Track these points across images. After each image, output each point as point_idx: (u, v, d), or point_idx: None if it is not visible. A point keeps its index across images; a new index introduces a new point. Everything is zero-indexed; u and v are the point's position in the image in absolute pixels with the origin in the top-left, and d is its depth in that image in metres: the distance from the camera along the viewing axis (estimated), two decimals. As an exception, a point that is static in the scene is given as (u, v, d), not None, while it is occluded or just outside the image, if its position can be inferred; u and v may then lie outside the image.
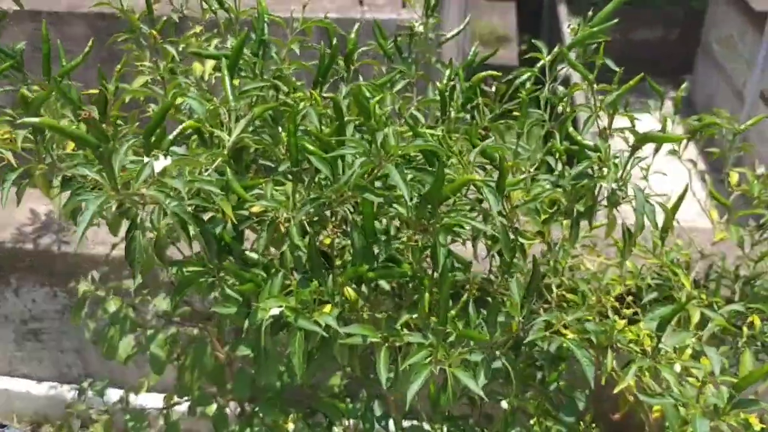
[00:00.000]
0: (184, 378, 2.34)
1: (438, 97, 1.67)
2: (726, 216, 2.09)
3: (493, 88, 1.83)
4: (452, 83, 1.68)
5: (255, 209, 1.30)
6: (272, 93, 1.58)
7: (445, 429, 2.12)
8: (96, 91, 1.53)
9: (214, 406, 2.43)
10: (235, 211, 1.28)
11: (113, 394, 2.80)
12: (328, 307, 1.26)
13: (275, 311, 1.21)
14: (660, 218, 1.46)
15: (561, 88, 1.61)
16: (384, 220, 1.42)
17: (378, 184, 1.30)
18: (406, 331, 1.33)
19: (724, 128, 2.02)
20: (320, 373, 2.27)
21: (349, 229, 1.57)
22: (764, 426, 1.57)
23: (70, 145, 1.41)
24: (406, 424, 2.18)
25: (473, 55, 1.95)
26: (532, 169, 1.60)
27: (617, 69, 1.49)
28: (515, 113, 1.73)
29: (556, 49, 1.62)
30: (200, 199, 1.20)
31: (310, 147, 1.27)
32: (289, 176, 1.38)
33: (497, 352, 1.46)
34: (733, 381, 1.53)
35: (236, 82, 1.53)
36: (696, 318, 1.80)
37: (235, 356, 2.31)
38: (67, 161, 1.32)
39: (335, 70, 1.77)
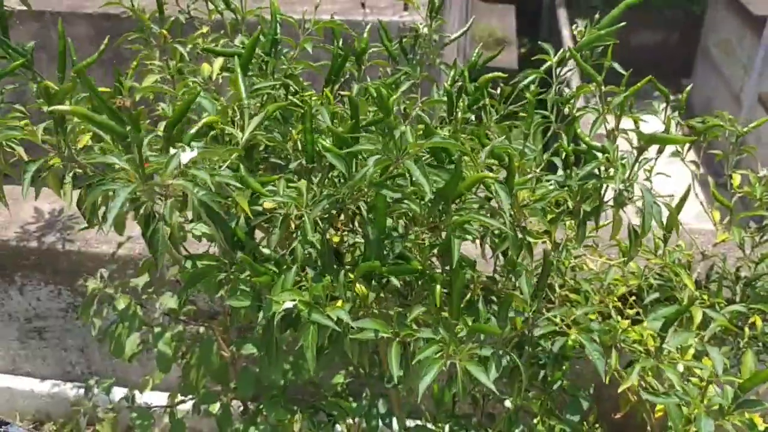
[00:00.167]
0: (190, 376, 2.35)
1: (444, 98, 1.69)
2: (728, 218, 2.11)
3: (498, 90, 1.85)
4: (459, 84, 1.70)
5: (268, 205, 1.31)
6: (281, 92, 1.60)
7: (448, 428, 2.14)
8: (106, 89, 1.55)
9: (217, 405, 2.44)
10: (249, 206, 1.29)
11: (116, 393, 2.81)
12: (339, 303, 1.28)
13: (289, 305, 1.22)
14: (664, 219, 1.48)
15: (567, 90, 1.63)
16: (392, 219, 1.44)
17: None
18: (414, 326, 1.34)
19: (727, 130, 2.04)
20: (326, 370, 2.28)
21: (356, 227, 1.59)
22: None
23: (83, 141, 1.42)
24: (409, 423, 2.20)
25: (477, 56, 1.96)
26: (537, 170, 1.62)
27: (624, 72, 1.51)
28: (521, 114, 1.75)
29: (562, 51, 1.63)
30: (215, 194, 1.21)
31: (326, 144, 1.28)
32: (302, 173, 1.39)
33: (500, 351, 1.48)
34: (737, 381, 1.55)
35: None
36: (698, 318, 1.82)
37: (240, 355, 2.32)
38: (82, 155, 1.33)
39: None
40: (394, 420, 2.19)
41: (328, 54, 1.92)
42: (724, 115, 2.09)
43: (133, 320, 2.07)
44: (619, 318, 1.82)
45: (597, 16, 1.59)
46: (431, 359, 1.24)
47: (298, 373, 2.22)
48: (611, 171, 1.39)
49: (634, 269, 1.95)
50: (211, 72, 1.69)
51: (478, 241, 1.51)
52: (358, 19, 4.24)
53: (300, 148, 1.61)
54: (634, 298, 1.95)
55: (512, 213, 1.34)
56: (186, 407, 2.52)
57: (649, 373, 1.68)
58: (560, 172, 1.65)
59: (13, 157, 1.59)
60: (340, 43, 1.86)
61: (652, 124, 1.76)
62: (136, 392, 2.64)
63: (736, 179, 2.08)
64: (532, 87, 1.75)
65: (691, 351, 1.75)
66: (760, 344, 1.95)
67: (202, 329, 2.38)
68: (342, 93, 1.59)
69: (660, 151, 1.65)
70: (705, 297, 1.95)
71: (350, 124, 1.34)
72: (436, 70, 2.17)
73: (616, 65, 1.57)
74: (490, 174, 1.26)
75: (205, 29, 1.83)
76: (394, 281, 1.36)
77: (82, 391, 3.15)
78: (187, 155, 1.12)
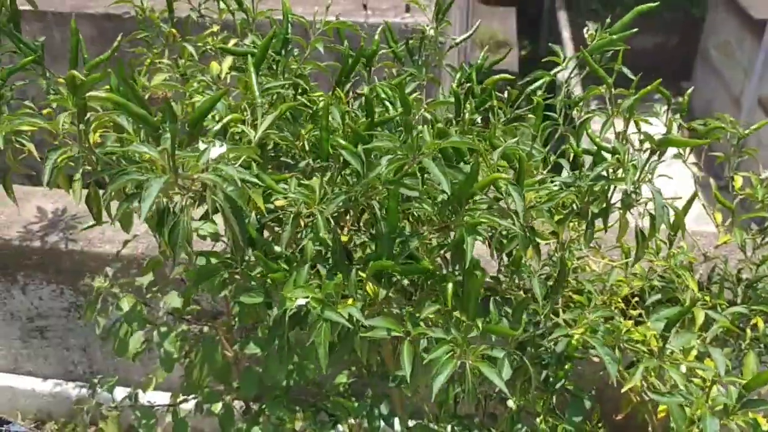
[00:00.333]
0: (192, 376, 2.36)
1: (451, 99, 1.70)
2: (730, 219, 2.12)
3: (505, 93, 1.87)
4: (467, 86, 1.71)
5: (279, 203, 1.32)
6: (290, 92, 1.61)
7: (450, 428, 2.15)
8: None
9: (220, 405, 2.45)
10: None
11: (118, 392, 2.81)
12: (350, 301, 1.29)
13: (301, 302, 1.23)
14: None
15: (576, 92, 1.64)
16: (400, 219, 1.45)
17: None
18: (423, 326, 1.35)
19: (728, 132, 2.05)
20: (333, 368, 2.29)
21: (362, 226, 1.60)
22: (770, 426, 1.60)
23: (93, 138, 1.43)
24: (410, 423, 2.21)
25: (483, 59, 1.98)
26: (544, 172, 1.64)
27: (633, 77, 1.52)
28: (528, 116, 1.77)
29: (573, 55, 1.64)
30: (240, 190, 1.21)
31: (342, 141, 1.29)
32: (312, 172, 1.40)
33: (509, 352, 1.49)
34: (739, 381, 1.56)
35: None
36: (701, 320, 1.83)
37: (242, 355, 2.33)
38: (100, 148, 1.34)
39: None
40: (396, 420, 2.19)
41: (330, 55, 1.93)
42: (725, 118, 2.10)
43: (138, 319, 2.08)
44: (622, 319, 1.83)
45: (608, 20, 1.60)
46: (443, 359, 1.24)
47: (302, 373, 2.23)
48: (619, 172, 1.40)
49: (637, 270, 1.96)
50: (219, 71, 1.70)
51: (483, 241, 1.52)
52: (360, 20, 4.26)
53: (307, 148, 1.62)
54: (636, 299, 1.96)
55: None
56: (188, 407, 2.52)
57: (652, 374, 1.69)
58: (564, 173, 1.66)
59: (22, 155, 1.60)
60: (345, 43, 1.88)
61: (652, 127, 1.77)
62: (139, 391, 2.65)
63: (738, 181, 2.09)
64: (539, 91, 1.77)
65: (694, 352, 1.76)
66: (762, 345, 1.96)
67: (205, 329, 2.39)
68: (358, 92, 1.61)
69: (662, 154, 1.66)
70: (707, 298, 1.97)
71: (366, 123, 1.35)
72: (439, 72, 2.18)
73: (625, 70, 1.59)
74: (504, 175, 1.28)
75: (215, 28, 1.84)
76: (404, 280, 1.37)
77: (84, 390, 3.16)
78: (216, 150, 1.13)
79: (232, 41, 1.78)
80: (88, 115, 1.29)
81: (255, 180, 1.20)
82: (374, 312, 1.38)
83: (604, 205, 1.46)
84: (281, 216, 1.50)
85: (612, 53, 1.71)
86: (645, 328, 1.70)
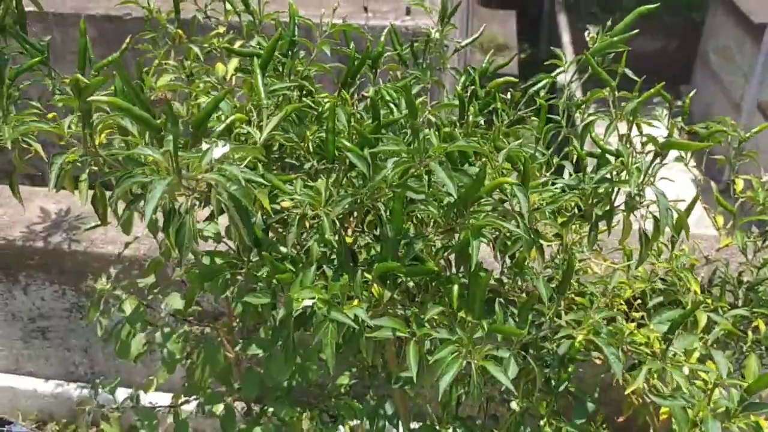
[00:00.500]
0: (194, 377, 2.36)
1: (456, 102, 1.71)
2: (731, 222, 2.13)
3: (509, 95, 1.88)
4: (471, 88, 1.72)
5: (285, 204, 1.33)
6: (296, 93, 1.62)
7: (452, 430, 2.15)
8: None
9: (221, 406, 2.45)
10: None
11: (119, 393, 2.82)
12: (355, 302, 1.30)
13: (308, 302, 1.24)
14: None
15: (578, 95, 1.65)
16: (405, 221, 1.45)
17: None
18: (428, 327, 1.36)
19: (729, 136, 2.06)
20: (338, 369, 2.29)
21: (365, 228, 1.61)
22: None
23: (99, 138, 1.43)
24: (413, 425, 2.21)
25: (488, 63, 1.99)
26: (547, 174, 1.65)
27: (637, 78, 1.53)
28: (531, 118, 1.78)
29: (576, 58, 1.65)
30: (245, 190, 1.22)
31: (348, 144, 1.30)
32: (317, 174, 1.41)
33: (515, 353, 1.50)
34: (741, 384, 1.57)
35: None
36: (703, 322, 1.84)
37: (244, 356, 2.34)
38: (106, 150, 1.35)
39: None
40: (399, 422, 2.20)
41: (333, 57, 1.94)
42: (726, 121, 2.11)
43: (140, 321, 2.08)
44: (624, 321, 1.83)
45: (609, 23, 1.61)
46: (448, 359, 1.25)
47: (304, 374, 2.24)
48: (623, 175, 1.41)
49: (640, 273, 1.97)
50: (225, 72, 1.71)
51: (488, 244, 1.52)
52: (361, 22, 4.27)
53: (311, 149, 1.63)
54: (639, 301, 1.97)
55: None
56: (189, 408, 2.53)
57: (654, 376, 1.69)
58: (567, 175, 1.67)
59: (28, 155, 1.60)
60: (351, 45, 1.89)
61: (652, 130, 1.78)
62: (140, 392, 2.65)
63: (739, 184, 2.10)
64: (542, 92, 1.78)
65: (696, 354, 1.77)
66: (763, 348, 1.97)
67: (207, 330, 2.40)
68: (363, 94, 1.61)
69: (664, 157, 1.67)
70: (708, 301, 1.97)
71: (372, 125, 1.36)
72: (443, 75, 2.19)
73: (628, 72, 1.60)
74: (511, 179, 1.28)
75: (221, 29, 1.85)
76: (409, 282, 1.38)
77: (85, 391, 3.16)
78: (219, 150, 1.14)
79: (238, 43, 1.79)
80: (95, 116, 1.30)
81: (260, 180, 1.20)
82: (379, 313, 1.39)
83: (608, 208, 1.46)
84: (286, 218, 1.51)
85: (613, 56, 1.72)
86: (648, 330, 1.71)
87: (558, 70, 1.68)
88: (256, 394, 2.33)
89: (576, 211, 1.51)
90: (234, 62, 1.74)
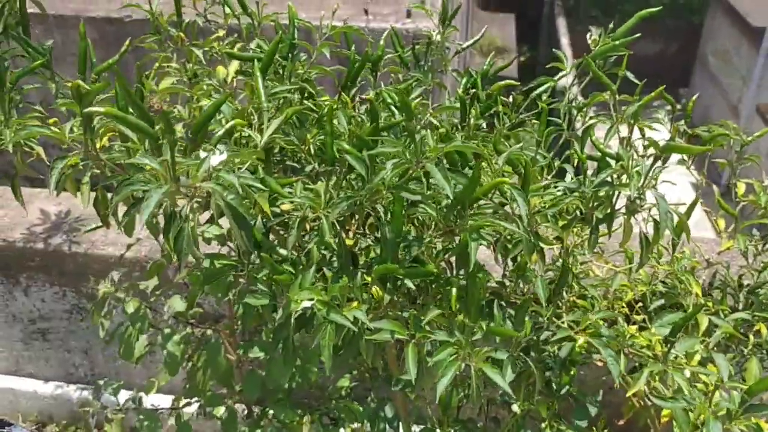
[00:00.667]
0: (195, 379, 2.36)
1: (457, 105, 1.71)
2: (732, 226, 2.13)
3: (510, 98, 1.88)
4: (473, 91, 1.72)
5: (285, 207, 1.33)
6: (297, 96, 1.62)
7: (452, 432, 2.15)
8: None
9: (222, 408, 2.45)
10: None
11: (120, 395, 2.82)
12: (355, 304, 1.30)
13: (307, 304, 1.24)
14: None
15: (580, 98, 1.65)
16: (405, 223, 1.46)
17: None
18: (427, 329, 1.36)
19: (732, 139, 2.07)
20: (338, 371, 2.29)
21: (366, 231, 1.61)
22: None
23: (101, 142, 1.44)
24: (414, 429, 2.21)
25: (489, 65, 1.99)
26: (548, 177, 1.65)
27: (638, 81, 1.53)
28: (532, 121, 1.78)
29: (578, 61, 1.66)
30: (241, 197, 1.22)
31: (346, 146, 1.30)
32: (318, 176, 1.41)
33: (513, 355, 1.50)
34: (742, 387, 1.57)
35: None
36: (704, 325, 1.84)
37: (245, 358, 2.34)
38: (106, 154, 1.35)
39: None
40: (400, 425, 2.20)
41: (333, 60, 1.94)
42: (728, 124, 2.11)
43: (143, 322, 2.08)
44: (626, 324, 1.84)
45: (611, 26, 1.61)
46: (447, 361, 1.25)
47: (304, 376, 2.24)
48: (623, 178, 1.41)
49: (642, 276, 1.98)
50: (226, 75, 1.72)
51: (488, 246, 1.53)
52: (361, 25, 4.28)
53: (313, 152, 1.63)
54: (640, 304, 1.97)
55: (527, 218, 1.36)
56: (190, 410, 2.53)
57: (656, 378, 1.70)
58: (568, 178, 1.67)
59: (30, 158, 1.61)
60: (353, 48, 1.89)
61: (654, 133, 1.79)
62: (142, 394, 2.65)
63: (741, 188, 2.10)
64: (544, 96, 1.79)
65: (697, 357, 1.77)
66: (764, 351, 1.97)
67: (208, 332, 2.40)
68: (362, 97, 1.62)
69: (665, 160, 1.67)
70: (709, 304, 1.98)
71: (370, 128, 1.36)
72: (444, 77, 2.19)
73: (629, 75, 1.60)
74: (508, 180, 1.28)
75: (221, 33, 1.85)
76: (409, 284, 1.38)
77: (85, 393, 3.16)
78: (216, 158, 1.14)
79: (238, 45, 1.80)
80: (96, 120, 1.30)
81: (259, 185, 1.21)
82: (379, 315, 1.39)
83: (609, 211, 1.47)
84: (287, 220, 1.51)
85: (614, 59, 1.72)
86: (649, 333, 1.71)
87: (561, 74, 1.69)
88: (257, 396, 2.33)
89: (577, 213, 1.52)
90: (234, 65, 1.75)
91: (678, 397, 1.57)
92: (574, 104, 1.68)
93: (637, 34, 1.58)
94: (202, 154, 1.14)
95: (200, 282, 1.52)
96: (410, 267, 1.36)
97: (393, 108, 1.69)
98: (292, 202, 1.33)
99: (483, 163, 1.38)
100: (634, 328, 1.74)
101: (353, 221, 1.57)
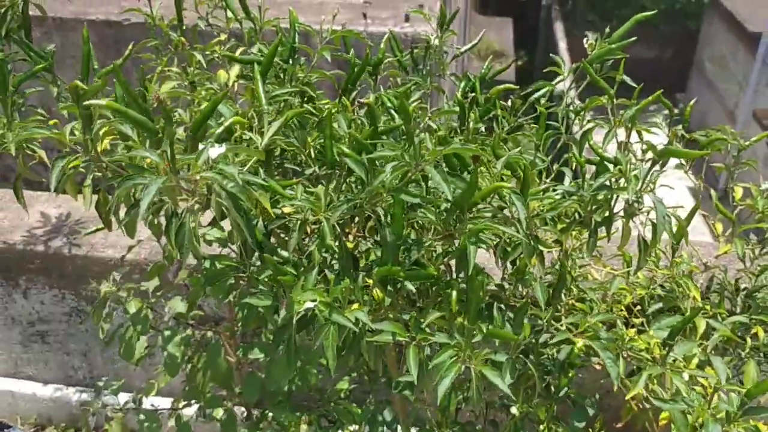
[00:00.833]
0: (195, 380, 2.37)
1: (456, 108, 1.72)
2: (730, 230, 2.15)
3: (509, 102, 1.89)
4: (472, 95, 1.73)
5: (287, 209, 1.34)
6: (297, 99, 1.63)
7: (452, 434, 2.16)
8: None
9: (221, 410, 2.45)
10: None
11: (120, 398, 2.82)
12: (356, 306, 1.31)
13: (309, 305, 1.25)
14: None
15: (578, 102, 1.66)
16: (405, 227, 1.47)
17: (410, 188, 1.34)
18: (427, 331, 1.37)
19: (729, 144, 2.08)
20: (338, 373, 2.30)
21: (366, 234, 1.62)
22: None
23: (102, 145, 1.45)
24: (413, 431, 2.22)
25: (486, 69, 2.00)
26: (547, 180, 1.66)
27: (635, 85, 1.55)
28: (529, 125, 1.80)
29: (575, 65, 1.67)
30: (243, 189, 1.23)
31: (346, 149, 1.32)
32: (318, 180, 1.42)
33: (513, 357, 1.51)
34: (740, 390, 1.58)
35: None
36: (702, 328, 1.85)
37: (245, 360, 2.34)
38: (108, 156, 1.36)
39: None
40: (398, 427, 2.20)
41: (332, 64, 1.95)
42: (726, 129, 2.13)
43: (144, 323, 2.09)
44: (624, 327, 1.85)
45: (608, 30, 1.63)
46: (447, 363, 1.26)
47: (304, 378, 2.24)
48: (622, 182, 1.42)
49: (640, 279, 1.99)
50: (227, 79, 1.72)
51: (488, 249, 1.54)
52: (360, 29, 4.29)
53: (313, 155, 1.64)
54: (638, 307, 1.98)
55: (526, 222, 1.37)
56: (189, 412, 2.53)
57: (654, 381, 1.71)
58: (566, 181, 1.69)
59: (32, 161, 1.61)
60: (352, 52, 1.90)
61: (652, 137, 1.80)
62: (142, 396, 2.65)
63: (738, 192, 2.12)
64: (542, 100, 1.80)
65: (695, 360, 1.78)
66: (762, 354, 1.98)
67: (209, 334, 2.40)
68: (361, 101, 1.63)
69: (663, 164, 1.69)
70: (707, 308, 1.99)
71: (369, 131, 1.38)
72: (443, 81, 2.21)
73: (627, 79, 1.61)
74: (506, 184, 1.30)
75: (223, 37, 1.86)
76: (409, 286, 1.39)
77: (84, 395, 3.16)
78: (215, 150, 1.15)
79: (240, 50, 1.81)
80: (97, 123, 1.31)
81: (261, 182, 1.21)
82: (379, 318, 1.40)
83: (607, 214, 1.48)
84: (287, 223, 1.52)
85: (611, 63, 1.74)
86: (648, 336, 1.72)
87: (558, 79, 1.70)
88: (257, 398, 2.34)
89: (576, 217, 1.53)
90: (236, 69, 1.76)
91: (677, 399, 1.58)
92: (571, 108, 1.70)
93: (633, 38, 1.60)
94: (201, 146, 1.15)
95: (202, 283, 1.52)
96: (411, 269, 1.37)
97: (392, 112, 1.70)
98: (292, 205, 1.34)
99: (482, 167, 1.39)
100: (632, 331, 1.75)
101: (353, 224, 1.58)
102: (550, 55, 1.98)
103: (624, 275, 2.01)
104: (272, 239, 1.67)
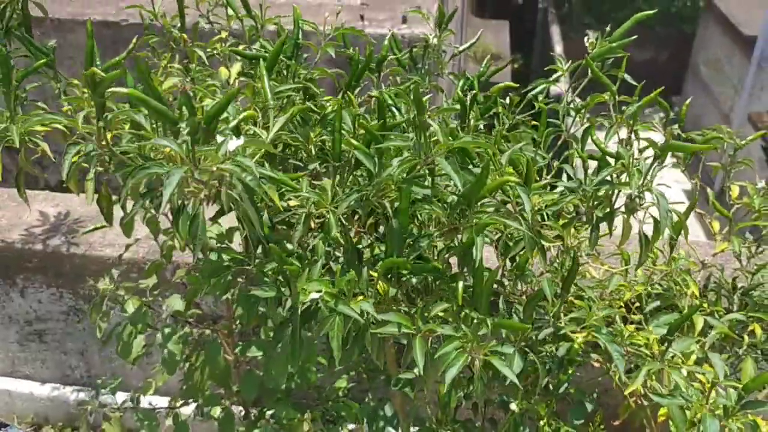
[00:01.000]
0: (193, 379, 2.37)
1: (456, 106, 1.73)
2: (726, 228, 2.16)
3: (507, 99, 1.91)
4: (472, 93, 1.74)
5: (293, 203, 1.35)
6: (300, 96, 1.64)
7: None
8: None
9: (219, 409, 2.46)
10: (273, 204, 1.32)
11: (118, 397, 2.82)
12: (361, 298, 1.31)
13: (315, 295, 1.25)
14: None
15: (578, 100, 1.68)
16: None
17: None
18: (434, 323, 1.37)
19: (726, 143, 2.10)
20: (335, 371, 2.30)
21: (368, 231, 1.63)
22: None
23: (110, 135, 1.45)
24: (413, 429, 2.22)
25: (485, 68, 2.02)
26: (548, 177, 1.67)
27: (636, 83, 1.56)
28: (529, 123, 1.81)
29: (575, 63, 1.68)
30: (259, 181, 1.24)
31: (355, 142, 1.32)
32: (319, 177, 1.43)
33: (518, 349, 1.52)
34: (738, 386, 1.59)
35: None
36: (700, 326, 1.86)
37: (243, 358, 2.35)
38: (118, 145, 1.36)
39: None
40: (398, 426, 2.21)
41: (331, 64, 1.96)
42: (722, 128, 2.15)
43: (143, 321, 2.09)
44: (623, 325, 1.86)
45: (608, 29, 1.64)
46: (453, 354, 1.27)
47: (303, 376, 2.25)
48: (623, 177, 1.43)
49: (639, 276, 2.00)
50: (228, 76, 1.73)
51: (491, 243, 1.55)
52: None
53: (314, 152, 1.65)
54: (637, 304, 1.99)
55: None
56: (187, 411, 2.53)
57: (653, 378, 1.71)
58: (564, 177, 1.70)
59: (34, 155, 1.62)
60: (357, 49, 1.91)
61: (649, 137, 1.82)
62: (136, 395, 2.65)
63: (735, 190, 2.13)
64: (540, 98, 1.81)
65: (693, 357, 1.79)
66: (759, 352, 1.99)
67: (207, 332, 2.40)
68: (370, 94, 1.64)
69: (662, 161, 1.70)
70: (705, 305, 2.00)
71: (378, 124, 1.38)
72: (440, 80, 2.22)
73: (627, 77, 1.63)
74: (513, 178, 1.31)
75: (224, 34, 1.87)
76: (414, 281, 1.40)
77: (81, 394, 3.16)
78: (234, 142, 1.16)
79: (241, 47, 1.81)
80: (106, 114, 1.31)
81: (271, 174, 1.22)
82: (383, 311, 1.41)
83: (609, 210, 1.49)
84: (291, 219, 1.52)
85: (611, 63, 1.75)
86: (647, 332, 1.73)
87: (557, 74, 1.71)
88: (255, 396, 2.34)
89: (577, 212, 1.54)
90: (237, 66, 1.76)
91: (675, 394, 1.59)
92: (572, 106, 1.71)
93: (634, 36, 1.61)
94: (220, 138, 1.16)
95: (205, 275, 1.53)
96: (416, 263, 1.38)
97: (393, 109, 1.71)
98: (298, 197, 1.35)
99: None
100: (631, 327, 1.76)
101: (355, 221, 1.59)
102: (551, 54, 2.00)
103: (622, 273, 2.02)
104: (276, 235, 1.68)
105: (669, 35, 10.82)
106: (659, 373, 1.66)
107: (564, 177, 1.69)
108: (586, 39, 1.62)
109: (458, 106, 1.73)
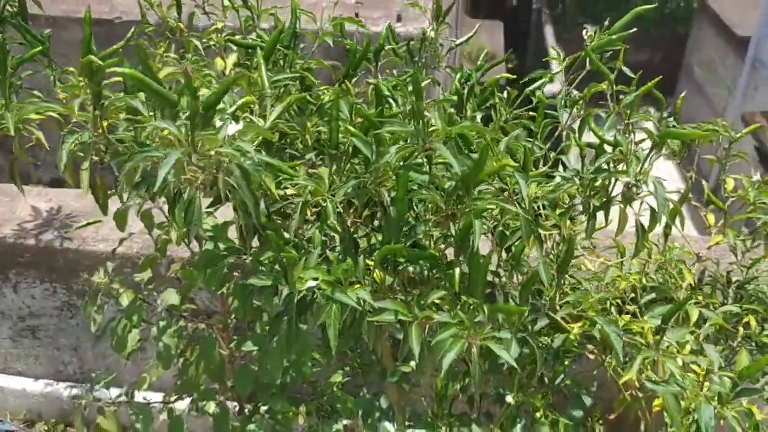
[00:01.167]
0: (188, 373, 2.35)
1: (454, 97, 1.73)
2: (721, 221, 2.17)
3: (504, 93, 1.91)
4: (469, 84, 1.75)
5: (290, 191, 1.35)
6: (296, 86, 1.64)
7: (449, 425, 2.16)
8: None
9: (213, 404, 2.45)
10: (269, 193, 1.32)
11: (111, 392, 2.80)
12: (358, 286, 1.31)
13: (312, 283, 1.25)
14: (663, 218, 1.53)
15: (575, 92, 1.68)
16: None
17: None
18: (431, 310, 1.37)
19: (721, 135, 2.11)
20: (327, 366, 2.30)
21: (364, 221, 1.63)
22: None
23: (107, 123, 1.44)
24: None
25: (482, 60, 2.02)
26: (545, 167, 1.68)
27: (633, 75, 1.57)
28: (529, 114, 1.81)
29: (573, 57, 1.69)
30: (258, 166, 1.23)
31: (353, 129, 1.32)
32: (315, 165, 1.43)
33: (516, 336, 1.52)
34: (732, 376, 1.59)
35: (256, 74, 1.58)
36: (694, 317, 1.87)
37: (238, 353, 2.34)
38: (114, 133, 1.36)
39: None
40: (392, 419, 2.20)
41: (327, 55, 1.96)
42: (717, 122, 2.15)
43: (138, 314, 2.08)
44: (618, 315, 1.86)
45: (606, 23, 1.64)
46: (450, 341, 1.26)
47: (298, 370, 2.24)
48: (620, 166, 1.43)
49: (635, 266, 2.00)
50: (224, 67, 1.73)
51: (487, 232, 1.55)
52: (352, 28, 4.30)
53: (310, 143, 1.65)
54: (632, 296, 2.00)
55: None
56: (181, 405, 2.52)
57: (648, 367, 1.72)
58: (561, 167, 1.70)
59: (29, 143, 1.61)
60: (354, 39, 1.91)
61: (643, 134, 1.82)
62: (129, 391, 2.64)
63: (730, 184, 2.14)
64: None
65: (688, 348, 1.80)
66: (754, 343, 2.00)
67: (202, 327, 2.40)
68: (369, 81, 1.64)
69: (659, 152, 1.70)
70: (700, 298, 2.01)
71: (376, 112, 1.38)
72: (437, 73, 2.22)
73: (625, 69, 1.63)
74: (512, 162, 1.30)
75: (220, 25, 1.87)
76: (410, 269, 1.39)
77: (75, 390, 3.14)
78: (233, 127, 1.15)
79: (237, 38, 1.81)
80: (102, 102, 1.31)
81: (269, 160, 1.22)
82: (380, 299, 1.40)
83: (605, 199, 1.49)
84: (287, 210, 1.52)
85: (609, 57, 1.76)
86: (642, 321, 1.74)
87: (556, 71, 1.72)
88: (250, 391, 2.33)
89: (573, 202, 1.54)
90: (233, 57, 1.76)
91: (670, 382, 1.59)
92: (569, 98, 1.71)
93: (633, 29, 1.61)
94: (219, 123, 1.15)
95: (201, 264, 1.52)
96: (412, 251, 1.37)
97: (390, 100, 1.71)
98: (295, 186, 1.35)
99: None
100: (627, 317, 1.76)
101: (351, 211, 1.59)
102: (549, 48, 2.00)
103: (617, 266, 2.02)
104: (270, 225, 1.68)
105: (662, 36, 10.86)
106: (654, 363, 1.67)
107: (560, 167, 1.69)
108: (584, 32, 1.63)
109: (455, 97, 1.73)
